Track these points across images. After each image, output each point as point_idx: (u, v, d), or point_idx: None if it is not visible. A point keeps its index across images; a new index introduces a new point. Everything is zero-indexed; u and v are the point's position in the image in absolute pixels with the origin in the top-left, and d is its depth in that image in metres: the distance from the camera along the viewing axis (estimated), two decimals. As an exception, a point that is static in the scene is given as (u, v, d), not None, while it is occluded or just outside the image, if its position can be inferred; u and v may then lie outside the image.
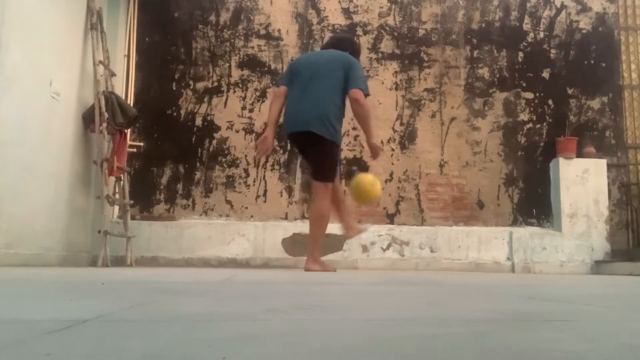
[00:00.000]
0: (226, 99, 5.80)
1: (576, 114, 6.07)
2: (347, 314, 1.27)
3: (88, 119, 4.98)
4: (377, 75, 5.91)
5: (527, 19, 6.18)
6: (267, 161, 5.71)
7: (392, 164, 5.75)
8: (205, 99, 5.78)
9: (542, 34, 6.17)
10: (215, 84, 5.82)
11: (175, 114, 5.74)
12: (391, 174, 5.74)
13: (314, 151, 3.85)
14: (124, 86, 5.62)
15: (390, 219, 5.68)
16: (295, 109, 3.87)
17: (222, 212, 5.61)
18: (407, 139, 5.86)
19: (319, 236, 3.85)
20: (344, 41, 4.26)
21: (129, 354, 0.73)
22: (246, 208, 5.63)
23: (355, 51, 4.19)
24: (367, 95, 3.85)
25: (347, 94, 3.82)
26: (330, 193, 3.84)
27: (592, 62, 6.16)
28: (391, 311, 1.37)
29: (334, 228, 5.49)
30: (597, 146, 5.88)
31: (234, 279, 2.75)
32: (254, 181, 5.68)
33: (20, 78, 3.93)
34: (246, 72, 5.86)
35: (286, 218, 5.63)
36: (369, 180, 3.91)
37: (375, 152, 3.98)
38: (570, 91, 6.10)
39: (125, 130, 5.19)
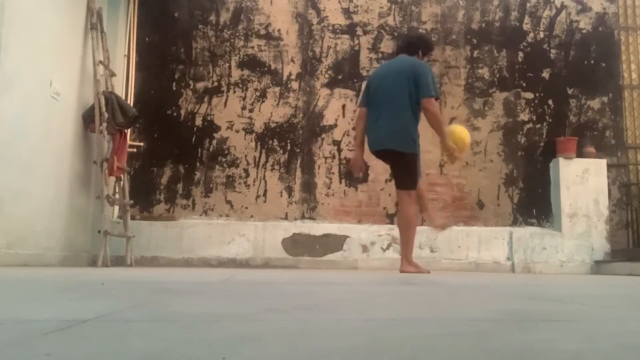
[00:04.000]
0: (226, 99, 5.80)
1: (576, 114, 6.07)
2: (347, 314, 1.27)
3: (88, 119, 4.98)
4: (377, 75, 5.91)
5: (527, 19, 6.18)
6: (267, 161, 5.72)
7: (392, 164, 5.74)
8: (205, 99, 5.78)
9: (542, 34, 6.17)
10: (215, 84, 5.82)
11: (175, 114, 5.74)
12: (391, 174, 5.73)
13: (395, 165, 4.08)
14: (124, 86, 5.62)
15: (391, 219, 5.67)
16: (373, 128, 4.08)
17: (222, 212, 5.61)
18: (407, 139, 5.86)
19: (410, 240, 4.02)
20: (412, 44, 4.28)
21: (129, 354, 0.73)
22: (246, 208, 5.63)
23: (426, 48, 4.30)
24: (437, 98, 4.02)
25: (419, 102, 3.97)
26: (414, 199, 4.07)
27: (592, 62, 6.16)
28: (391, 311, 1.37)
29: (332, 228, 5.52)
30: (597, 146, 5.87)
31: (234, 279, 2.75)
32: (254, 181, 5.68)
33: (20, 78, 3.93)
34: (246, 72, 5.86)
35: (286, 218, 5.63)
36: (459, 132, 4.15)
37: (450, 154, 4.04)
38: (570, 91, 6.10)
39: (125, 130, 5.19)
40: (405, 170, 3.99)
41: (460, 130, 4.18)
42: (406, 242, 4.00)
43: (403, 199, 3.99)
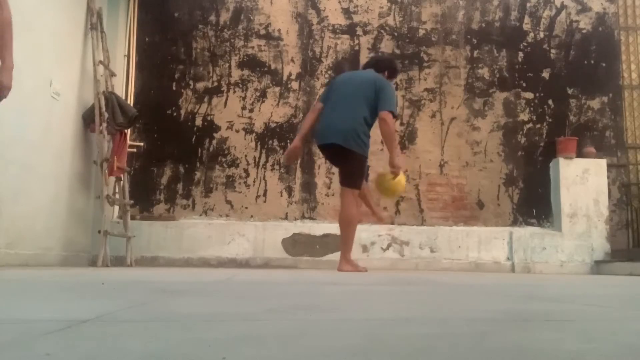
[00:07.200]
0: (226, 99, 5.80)
1: (576, 114, 6.06)
2: (347, 314, 1.27)
3: (88, 119, 4.98)
4: (377, 75, 5.90)
5: (527, 19, 6.18)
6: (267, 161, 5.72)
7: (392, 164, 5.74)
8: (205, 99, 5.78)
9: (542, 34, 6.17)
10: (215, 84, 5.82)
11: (175, 114, 5.74)
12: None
13: (342, 162, 4.13)
14: (124, 86, 5.61)
15: (390, 218, 5.67)
16: (326, 123, 4.14)
17: (222, 212, 5.61)
18: (407, 139, 5.86)
19: (349, 239, 4.10)
20: (382, 62, 4.50)
21: (129, 354, 0.73)
22: (246, 208, 5.63)
23: (393, 71, 4.44)
24: (395, 116, 4.09)
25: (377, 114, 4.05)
26: (357, 199, 4.14)
27: (592, 62, 6.16)
28: (391, 311, 1.37)
29: (332, 228, 5.51)
30: (597, 146, 5.87)
31: (234, 279, 2.75)
32: (254, 181, 5.68)
33: (20, 78, 3.92)
34: (246, 72, 5.86)
35: (286, 218, 5.63)
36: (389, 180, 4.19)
37: (395, 171, 4.11)
38: (570, 91, 6.10)
39: (125, 130, 5.19)
40: (352, 169, 4.05)
41: (399, 183, 4.20)
42: (346, 242, 4.08)
43: (347, 197, 4.04)
